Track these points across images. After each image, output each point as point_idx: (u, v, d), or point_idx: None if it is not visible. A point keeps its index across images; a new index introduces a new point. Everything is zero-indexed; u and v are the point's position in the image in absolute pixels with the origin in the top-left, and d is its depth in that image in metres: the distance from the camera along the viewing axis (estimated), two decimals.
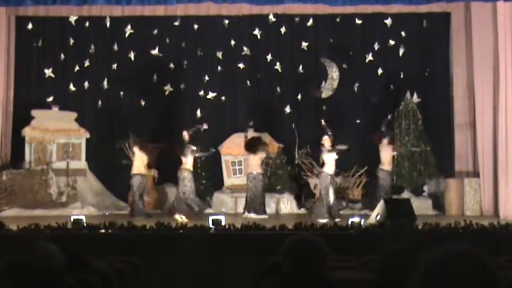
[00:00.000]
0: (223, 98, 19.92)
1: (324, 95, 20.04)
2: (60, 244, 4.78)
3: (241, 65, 19.89)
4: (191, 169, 17.15)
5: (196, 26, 19.78)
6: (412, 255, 4.16)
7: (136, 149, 17.50)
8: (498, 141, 17.03)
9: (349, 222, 13.71)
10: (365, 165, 18.52)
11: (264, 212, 16.94)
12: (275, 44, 20.04)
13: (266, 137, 18.39)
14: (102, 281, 5.67)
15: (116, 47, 19.85)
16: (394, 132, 18.25)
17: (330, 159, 16.51)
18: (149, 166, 18.74)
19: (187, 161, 17.06)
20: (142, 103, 19.87)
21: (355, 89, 19.91)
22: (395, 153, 17.72)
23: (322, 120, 18.29)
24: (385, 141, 17.48)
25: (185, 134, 17.28)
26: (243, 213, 17.02)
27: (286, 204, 18.60)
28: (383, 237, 12.41)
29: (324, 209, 16.30)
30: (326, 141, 16.58)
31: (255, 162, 17.21)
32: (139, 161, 17.45)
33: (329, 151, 16.44)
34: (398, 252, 4.43)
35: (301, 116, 19.79)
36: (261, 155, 17.29)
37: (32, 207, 17.67)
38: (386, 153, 17.53)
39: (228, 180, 19.19)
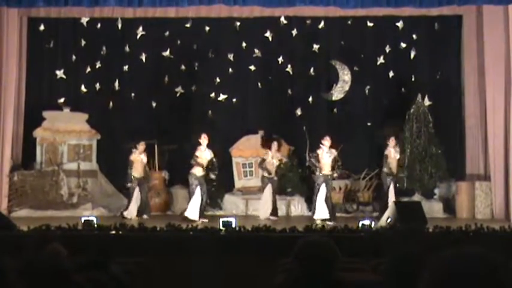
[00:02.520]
0: (234, 100, 19.94)
1: (335, 98, 20.05)
2: (80, 246, 4.80)
3: (252, 67, 19.90)
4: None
5: (207, 28, 19.80)
6: (421, 258, 4.16)
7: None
8: (509, 144, 17.00)
9: (360, 225, 13.72)
10: (376, 167, 18.48)
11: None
12: (286, 46, 20.05)
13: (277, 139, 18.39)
14: (114, 281, 5.69)
15: (127, 49, 19.89)
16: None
17: (326, 160, 16.56)
18: (159, 168, 18.78)
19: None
20: (154, 105, 19.91)
21: (366, 91, 19.90)
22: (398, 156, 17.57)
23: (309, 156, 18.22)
24: (391, 143, 17.43)
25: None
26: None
27: (297, 207, 18.59)
28: (393, 240, 12.39)
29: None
30: (327, 141, 16.64)
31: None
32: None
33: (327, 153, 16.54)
34: (407, 255, 4.43)
35: (312, 119, 19.78)
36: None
37: (43, 208, 17.70)
38: (394, 158, 17.46)
39: (239, 182, 19.19)
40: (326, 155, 16.66)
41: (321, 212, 16.44)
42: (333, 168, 16.82)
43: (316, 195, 16.62)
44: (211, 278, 11.57)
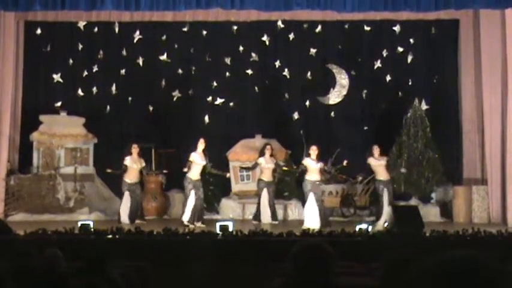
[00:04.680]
0: (231, 104, 19.92)
1: (332, 102, 20.04)
2: (77, 250, 4.79)
3: (249, 71, 19.89)
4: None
5: (204, 32, 19.79)
6: (415, 262, 4.15)
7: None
8: (506, 148, 16.99)
9: (357, 229, 13.71)
10: (373, 172, 18.44)
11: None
12: (283, 50, 20.04)
13: (274, 143, 18.36)
14: (111, 285, 5.68)
15: (124, 53, 19.87)
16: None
17: (313, 168, 16.46)
18: (156, 172, 18.75)
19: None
20: (151, 109, 19.89)
21: (364, 95, 19.90)
22: (384, 162, 17.36)
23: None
24: (376, 153, 17.16)
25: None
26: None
27: (294, 211, 18.56)
28: (390, 244, 12.38)
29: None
30: (313, 151, 16.54)
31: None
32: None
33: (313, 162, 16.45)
34: (404, 259, 4.42)
35: (309, 123, 19.77)
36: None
37: (40, 212, 17.68)
38: (379, 165, 17.24)
39: (236, 186, 19.13)
40: (312, 162, 16.51)
41: (310, 221, 16.27)
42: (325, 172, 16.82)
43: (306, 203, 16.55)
44: (208, 282, 11.55)
